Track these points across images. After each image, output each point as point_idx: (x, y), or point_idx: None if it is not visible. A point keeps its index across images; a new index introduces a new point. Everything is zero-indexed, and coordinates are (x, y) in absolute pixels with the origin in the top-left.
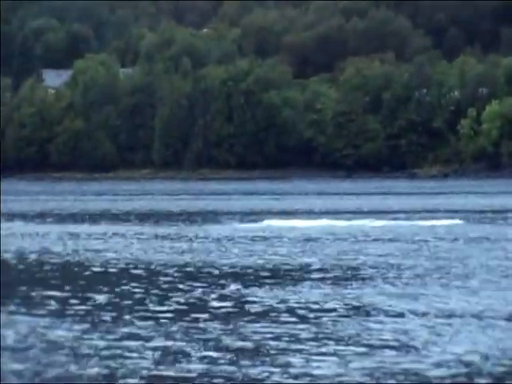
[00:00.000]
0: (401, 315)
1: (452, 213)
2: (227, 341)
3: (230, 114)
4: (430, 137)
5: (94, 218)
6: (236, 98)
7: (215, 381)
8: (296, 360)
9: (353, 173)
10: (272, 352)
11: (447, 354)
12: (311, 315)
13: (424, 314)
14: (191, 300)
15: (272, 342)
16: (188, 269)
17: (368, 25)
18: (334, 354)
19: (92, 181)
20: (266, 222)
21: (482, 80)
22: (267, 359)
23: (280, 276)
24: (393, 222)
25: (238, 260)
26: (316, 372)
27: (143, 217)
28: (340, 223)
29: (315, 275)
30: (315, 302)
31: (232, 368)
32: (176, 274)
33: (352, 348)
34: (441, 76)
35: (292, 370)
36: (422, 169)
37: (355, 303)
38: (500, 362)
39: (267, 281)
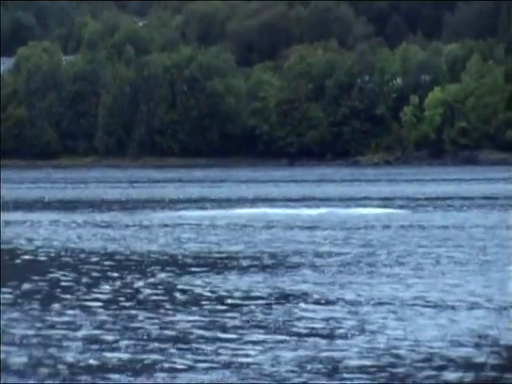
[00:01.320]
0: (330, 303)
1: (392, 200)
2: (155, 329)
3: (174, 101)
4: (373, 124)
5: (29, 205)
6: (179, 85)
7: (142, 370)
8: (224, 348)
9: (296, 160)
10: (200, 340)
11: (375, 342)
12: (240, 303)
13: (352, 302)
14: (120, 288)
15: (200, 331)
16: (118, 257)
17: (311, 12)
18: (263, 341)
19: (35, 168)
20: (200, 211)
21: (425, 67)
22: (195, 348)
23: (209, 264)
24: (330, 210)
25: (168, 248)
26: (244, 360)
27: (79, 205)
28: (275, 211)
29: (244, 263)
30: (244, 290)
31: (159, 357)
32: (106, 262)
33: (280, 336)
34: (383, 63)
35: (220, 358)
36: (365, 156)
37: (284, 291)
38: (427, 351)
39: (196, 269)
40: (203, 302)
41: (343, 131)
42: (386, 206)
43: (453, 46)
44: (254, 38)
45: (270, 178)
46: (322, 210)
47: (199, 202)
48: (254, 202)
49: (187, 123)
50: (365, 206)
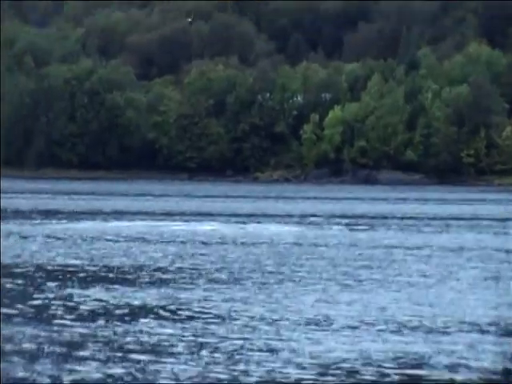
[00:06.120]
0: (166, 318)
1: (282, 217)
2: None
3: (73, 114)
4: (273, 141)
5: None
6: (79, 98)
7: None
8: (57, 364)
9: (196, 175)
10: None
11: (208, 359)
12: (74, 317)
13: (190, 318)
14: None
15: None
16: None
17: (212, 28)
18: (93, 358)
19: None
20: (69, 223)
21: (325, 85)
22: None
23: (50, 277)
24: (216, 226)
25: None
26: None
27: None
28: (143, 224)
29: (85, 276)
30: (85, 303)
31: None
32: None
33: (111, 352)
34: (284, 81)
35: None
36: (264, 173)
37: (125, 305)
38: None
39: (40, 281)
40: (48, 314)
41: (243, 147)
42: (281, 223)
43: (353, 65)
44: (153, 52)
45: (167, 193)
46: (200, 227)
47: (82, 215)
48: (142, 215)
49: (87, 136)
50: (262, 222)
